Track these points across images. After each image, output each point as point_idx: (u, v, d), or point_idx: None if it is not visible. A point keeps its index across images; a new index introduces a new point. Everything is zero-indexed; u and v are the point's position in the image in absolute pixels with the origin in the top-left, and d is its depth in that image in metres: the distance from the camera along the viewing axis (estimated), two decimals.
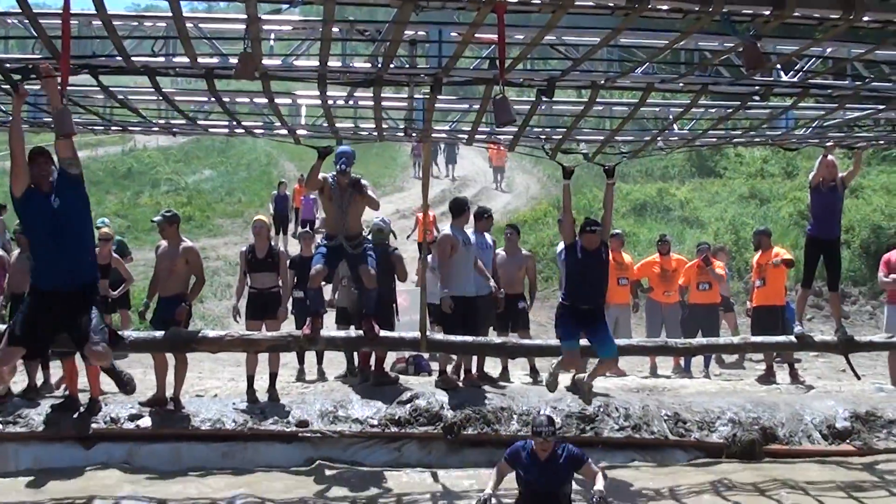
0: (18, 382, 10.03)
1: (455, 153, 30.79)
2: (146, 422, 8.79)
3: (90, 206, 6.50)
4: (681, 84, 7.46)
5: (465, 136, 9.39)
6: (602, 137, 9.41)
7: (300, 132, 9.16)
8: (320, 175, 8.71)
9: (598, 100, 8.02)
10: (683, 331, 12.14)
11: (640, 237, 19.72)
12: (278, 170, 32.49)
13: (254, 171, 32.72)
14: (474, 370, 9.80)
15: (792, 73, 7.51)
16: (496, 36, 6.12)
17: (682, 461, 8.70)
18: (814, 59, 7.46)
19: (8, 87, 6.70)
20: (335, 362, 11.18)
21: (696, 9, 5.21)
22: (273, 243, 10.04)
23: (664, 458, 8.67)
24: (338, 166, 8.71)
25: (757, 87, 7.62)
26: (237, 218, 25.13)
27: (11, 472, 8.29)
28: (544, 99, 7.37)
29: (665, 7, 5.35)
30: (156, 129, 9.64)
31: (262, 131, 9.68)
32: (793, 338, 10.06)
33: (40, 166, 6.16)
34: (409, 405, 8.99)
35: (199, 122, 9.02)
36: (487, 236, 10.15)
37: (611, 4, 5.27)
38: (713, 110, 9.33)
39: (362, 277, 8.79)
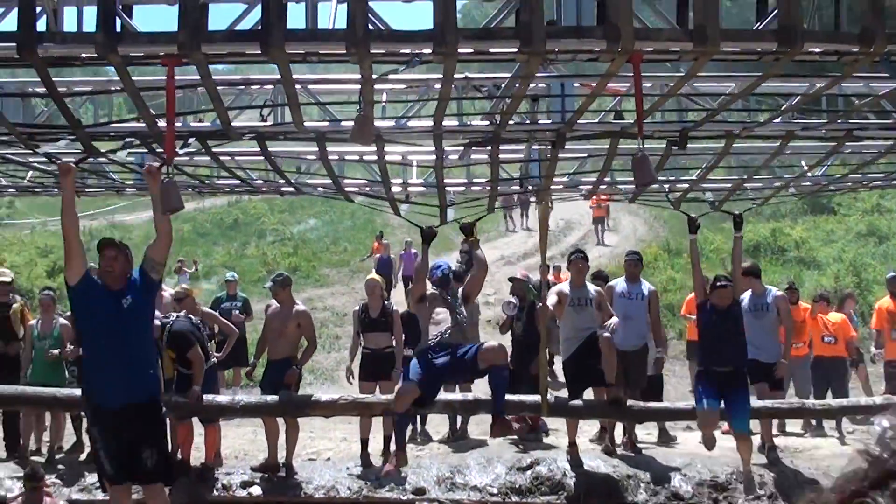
0: None
1: (529, 200, 28.54)
2: (257, 490, 8.55)
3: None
4: (823, 131, 6.88)
5: (585, 191, 8.92)
6: (729, 185, 8.86)
7: (410, 189, 8.85)
8: (427, 289, 7.40)
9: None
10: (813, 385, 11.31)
11: None
12: (382, 218, 32.43)
13: (358, 220, 32.72)
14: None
15: None
16: (624, 86, 5.75)
17: None
18: None
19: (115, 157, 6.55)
20: (435, 422, 10.51)
21: (855, 50, 4.69)
22: (386, 302, 9.67)
23: None
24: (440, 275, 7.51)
25: None
26: (343, 267, 25.10)
27: None
28: (674, 150, 6.86)
29: (818, 50, 4.83)
30: (263, 190, 9.48)
31: (364, 197, 9.36)
32: None
33: (108, 261, 5.53)
34: (529, 472, 8.56)
35: (304, 186, 8.75)
36: (645, 284, 9.39)
37: (758, 49, 4.78)
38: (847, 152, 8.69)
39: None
